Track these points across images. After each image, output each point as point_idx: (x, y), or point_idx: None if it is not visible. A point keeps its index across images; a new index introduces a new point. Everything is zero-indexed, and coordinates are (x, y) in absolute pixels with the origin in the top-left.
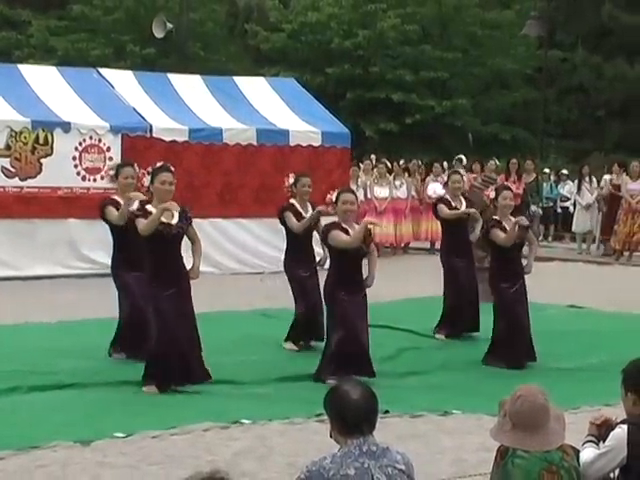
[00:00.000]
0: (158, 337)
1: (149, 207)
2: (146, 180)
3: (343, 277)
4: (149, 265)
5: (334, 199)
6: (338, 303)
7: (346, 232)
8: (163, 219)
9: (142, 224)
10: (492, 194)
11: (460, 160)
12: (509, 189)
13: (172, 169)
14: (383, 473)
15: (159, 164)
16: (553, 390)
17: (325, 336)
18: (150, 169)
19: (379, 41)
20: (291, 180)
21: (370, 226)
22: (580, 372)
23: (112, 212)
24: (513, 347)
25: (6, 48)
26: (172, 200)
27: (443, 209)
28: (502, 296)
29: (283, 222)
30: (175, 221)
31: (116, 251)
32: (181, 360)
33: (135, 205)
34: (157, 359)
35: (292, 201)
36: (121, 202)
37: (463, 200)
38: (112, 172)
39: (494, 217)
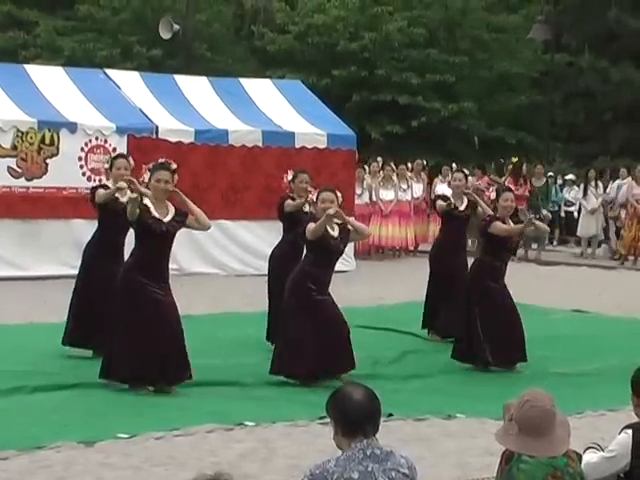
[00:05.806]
0: (128, 331)
1: (146, 201)
2: (146, 176)
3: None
4: (135, 255)
5: (315, 199)
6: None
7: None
8: (156, 214)
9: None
10: (493, 195)
11: None
12: (510, 190)
13: (172, 167)
14: (387, 477)
15: (160, 160)
16: (557, 395)
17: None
18: (150, 165)
19: (385, 44)
20: (290, 176)
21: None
22: (584, 377)
23: (100, 192)
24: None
25: (13, 48)
26: (172, 200)
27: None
28: (484, 292)
29: (292, 219)
30: (168, 219)
31: (97, 235)
32: (158, 358)
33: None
34: (124, 355)
35: (290, 196)
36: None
37: (465, 199)
38: (107, 165)
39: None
